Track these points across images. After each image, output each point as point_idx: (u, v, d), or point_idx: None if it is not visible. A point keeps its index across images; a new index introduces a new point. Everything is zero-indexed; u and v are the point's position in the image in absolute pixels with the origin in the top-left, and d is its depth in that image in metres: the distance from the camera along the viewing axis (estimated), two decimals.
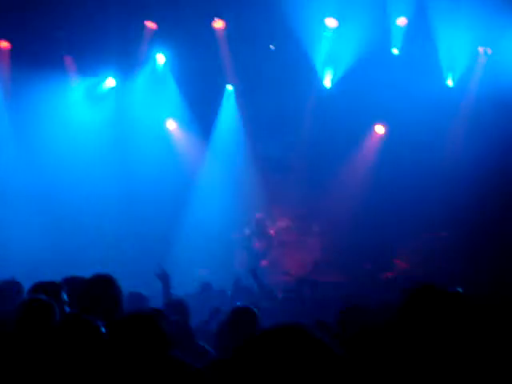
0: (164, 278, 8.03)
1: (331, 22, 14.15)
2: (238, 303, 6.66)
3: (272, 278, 13.34)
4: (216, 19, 14.08)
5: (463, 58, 14.55)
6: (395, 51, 14.66)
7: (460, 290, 4.40)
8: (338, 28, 14.30)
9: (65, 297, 5.22)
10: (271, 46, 14.75)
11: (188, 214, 15.27)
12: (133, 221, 14.75)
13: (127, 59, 14.77)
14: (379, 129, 15.73)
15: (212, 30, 14.44)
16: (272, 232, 14.61)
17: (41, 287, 5.31)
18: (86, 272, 5.77)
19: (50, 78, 14.44)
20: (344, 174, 15.56)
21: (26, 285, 5.98)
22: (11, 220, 14.10)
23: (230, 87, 15.84)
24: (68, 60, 14.78)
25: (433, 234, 14.46)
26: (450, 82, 14.84)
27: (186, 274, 13.01)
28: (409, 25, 14.29)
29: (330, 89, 15.50)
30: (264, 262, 14.08)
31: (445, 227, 14.41)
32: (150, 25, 14.24)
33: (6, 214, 14.07)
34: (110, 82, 15.40)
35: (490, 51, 14.26)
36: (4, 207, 14.14)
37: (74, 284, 5.56)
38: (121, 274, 5.88)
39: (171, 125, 16.03)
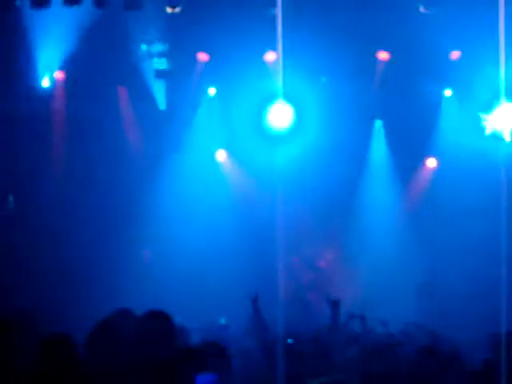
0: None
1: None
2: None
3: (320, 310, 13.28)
4: (270, 51, 14.02)
5: None
6: None
7: None
8: None
9: None
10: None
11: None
12: None
13: (180, 90, 14.88)
14: (431, 162, 15.59)
15: (264, 62, 14.39)
16: (322, 264, 14.45)
17: None
18: None
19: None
20: (396, 208, 15.45)
21: None
22: None
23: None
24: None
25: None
26: None
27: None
28: None
29: None
30: (310, 295, 13.92)
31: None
32: (202, 56, 14.26)
33: None
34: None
35: None
36: None
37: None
38: None
39: (222, 156, 16.04)
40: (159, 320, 5.18)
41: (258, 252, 14.75)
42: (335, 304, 8.96)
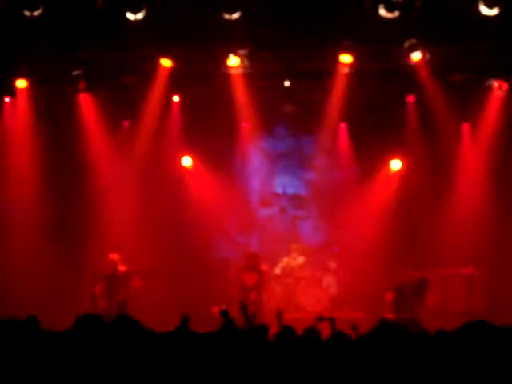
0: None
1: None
2: None
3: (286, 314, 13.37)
4: (231, 56, 13.96)
5: None
6: None
7: None
8: None
9: None
10: (285, 83, 14.79)
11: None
12: None
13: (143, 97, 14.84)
14: (395, 164, 15.70)
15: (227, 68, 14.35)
16: (264, 267, 14.41)
17: None
18: None
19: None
20: (360, 209, 15.61)
21: None
22: None
23: (244, 124, 15.91)
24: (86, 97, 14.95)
25: (453, 270, 14.46)
26: None
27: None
28: None
29: None
30: (252, 296, 13.90)
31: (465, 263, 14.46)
32: (166, 62, 14.17)
33: None
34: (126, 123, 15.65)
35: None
36: None
37: None
38: None
39: (187, 161, 16.08)
40: None
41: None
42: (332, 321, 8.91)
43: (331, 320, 9.11)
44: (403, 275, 13.18)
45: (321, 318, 9.73)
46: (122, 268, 12.69)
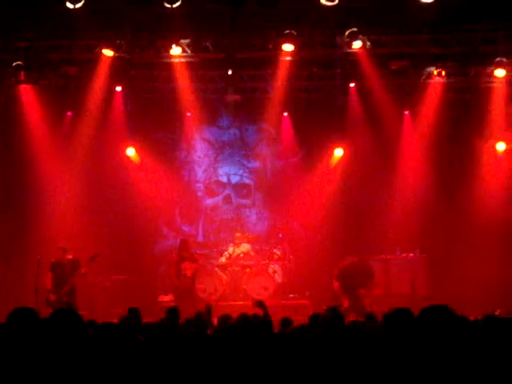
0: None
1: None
2: None
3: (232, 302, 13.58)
4: (173, 46, 13.88)
5: None
6: None
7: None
8: None
9: None
10: (228, 72, 14.75)
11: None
12: None
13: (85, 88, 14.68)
14: (338, 151, 15.87)
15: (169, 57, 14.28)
16: (198, 256, 14.37)
17: None
18: None
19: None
20: (304, 197, 15.78)
21: None
22: None
23: (188, 114, 15.91)
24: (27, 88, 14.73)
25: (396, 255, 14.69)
26: None
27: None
28: None
29: None
30: (199, 286, 13.98)
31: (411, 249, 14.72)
32: (108, 52, 14.01)
33: None
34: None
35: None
36: None
37: None
38: None
39: (131, 152, 16.01)
40: None
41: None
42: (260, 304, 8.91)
43: (261, 303, 8.98)
44: (343, 261, 13.34)
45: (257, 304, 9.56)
46: (69, 256, 12.60)
